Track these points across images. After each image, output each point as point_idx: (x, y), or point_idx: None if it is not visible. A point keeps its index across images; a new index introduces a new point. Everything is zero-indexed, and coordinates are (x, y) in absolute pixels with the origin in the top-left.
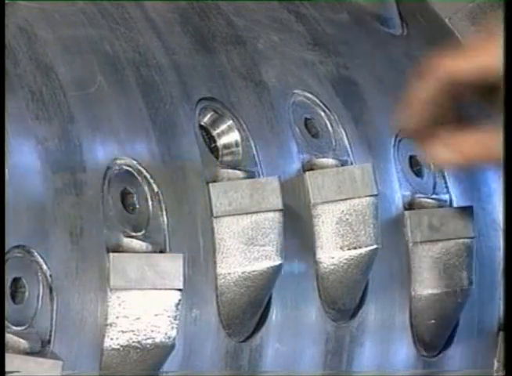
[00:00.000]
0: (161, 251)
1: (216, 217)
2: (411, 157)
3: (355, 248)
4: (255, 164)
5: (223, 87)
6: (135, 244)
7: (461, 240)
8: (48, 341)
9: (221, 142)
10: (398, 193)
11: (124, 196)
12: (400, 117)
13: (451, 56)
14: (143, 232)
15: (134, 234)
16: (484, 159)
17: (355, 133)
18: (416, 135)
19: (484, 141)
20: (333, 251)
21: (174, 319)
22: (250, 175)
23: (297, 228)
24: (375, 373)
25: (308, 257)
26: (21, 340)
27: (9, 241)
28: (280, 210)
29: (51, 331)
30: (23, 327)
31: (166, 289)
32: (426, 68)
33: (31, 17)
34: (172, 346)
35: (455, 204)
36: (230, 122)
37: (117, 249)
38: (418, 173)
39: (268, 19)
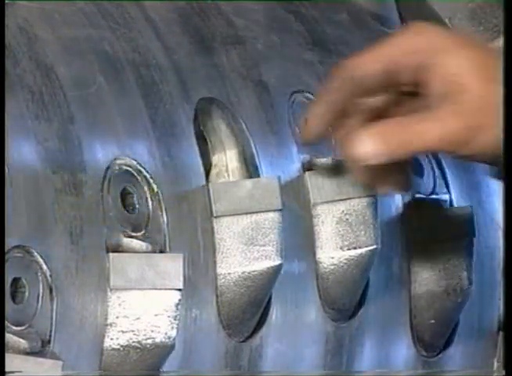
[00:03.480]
0: (161, 251)
1: (216, 217)
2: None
3: (354, 248)
4: (255, 164)
5: (223, 87)
6: (135, 244)
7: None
8: (48, 341)
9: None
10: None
11: (124, 196)
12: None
13: (354, 55)
14: (143, 232)
15: (134, 234)
16: (407, 146)
17: None
18: (333, 135)
19: (402, 128)
20: (333, 251)
21: (174, 319)
22: (250, 175)
23: (297, 228)
24: (375, 373)
25: (308, 257)
26: (21, 340)
27: (9, 241)
28: (280, 210)
29: (51, 331)
30: (23, 327)
31: (166, 289)
32: (333, 70)
33: (31, 17)
34: (172, 346)
35: (455, 204)
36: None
37: (117, 249)
38: (418, 173)
39: (268, 19)
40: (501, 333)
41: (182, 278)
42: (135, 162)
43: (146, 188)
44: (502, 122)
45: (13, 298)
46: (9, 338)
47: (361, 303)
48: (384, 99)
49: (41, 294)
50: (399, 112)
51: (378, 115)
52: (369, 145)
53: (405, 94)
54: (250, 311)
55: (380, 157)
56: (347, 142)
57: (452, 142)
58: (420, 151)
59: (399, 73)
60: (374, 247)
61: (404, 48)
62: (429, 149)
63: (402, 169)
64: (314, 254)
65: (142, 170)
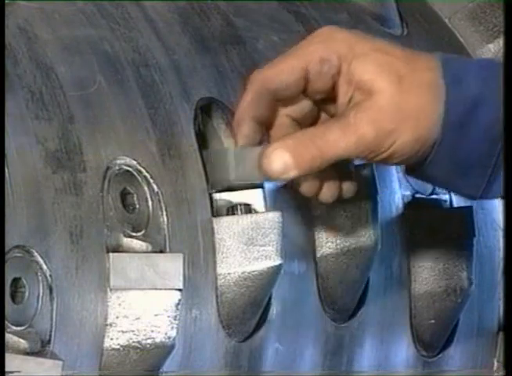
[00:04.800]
0: (161, 251)
1: (216, 217)
2: None
3: (355, 248)
4: None
5: (223, 87)
6: (135, 244)
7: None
8: (48, 341)
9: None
10: (398, 193)
11: (124, 196)
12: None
13: (267, 65)
14: (143, 232)
15: (134, 234)
16: (320, 156)
17: None
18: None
19: (314, 139)
20: (333, 251)
21: (174, 319)
22: None
23: (297, 228)
24: (375, 373)
25: (308, 257)
26: (21, 340)
27: (9, 241)
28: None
29: (51, 331)
30: (23, 327)
31: (166, 289)
32: (248, 82)
33: (31, 17)
34: (172, 346)
35: (455, 204)
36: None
37: (117, 249)
38: None
39: (268, 19)
40: (501, 333)
41: (181, 278)
42: (135, 162)
43: (146, 188)
44: (416, 125)
45: (13, 298)
46: (9, 338)
47: (361, 303)
48: (302, 108)
49: (41, 294)
50: (318, 120)
51: (299, 124)
52: (280, 161)
53: (323, 102)
54: (250, 311)
55: (294, 172)
56: (261, 157)
57: (367, 147)
58: (336, 160)
59: (313, 81)
60: (374, 247)
61: (315, 56)
62: (344, 156)
63: (345, 175)
64: (314, 254)
65: (142, 170)
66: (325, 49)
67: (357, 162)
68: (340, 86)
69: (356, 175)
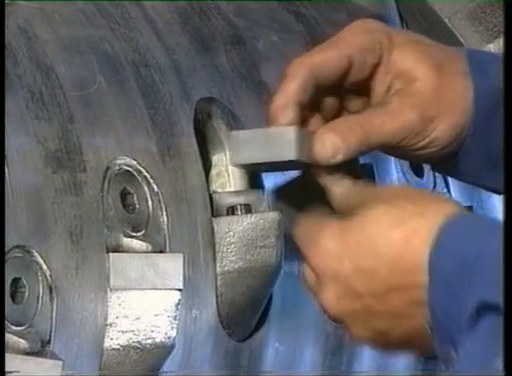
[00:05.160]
0: (161, 251)
1: (216, 217)
2: None
3: None
4: None
5: (223, 87)
6: (135, 244)
7: None
8: (48, 341)
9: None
10: None
11: (124, 196)
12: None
13: (310, 52)
14: (143, 232)
15: (134, 234)
16: (366, 141)
17: None
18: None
19: (360, 124)
20: None
21: (174, 319)
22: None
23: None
24: (375, 373)
25: None
26: (21, 340)
27: (9, 241)
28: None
29: (51, 331)
30: (23, 327)
31: (166, 289)
32: (288, 69)
33: (31, 17)
34: (172, 346)
35: None
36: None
37: (117, 249)
38: (418, 173)
39: (268, 19)
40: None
41: (181, 278)
42: (135, 162)
43: (146, 188)
44: (454, 111)
45: (13, 298)
46: (9, 338)
47: None
48: (333, 99)
49: (41, 294)
50: (347, 112)
51: (332, 115)
52: (330, 144)
53: (349, 96)
54: (250, 311)
55: (341, 156)
56: (308, 142)
57: (410, 133)
58: (380, 145)
59: (354, 71)
60: None
61: (359, 46)
62: (388, 142)
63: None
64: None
65: (142, 170)
66: (368, 39)
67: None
68: (378, 76)
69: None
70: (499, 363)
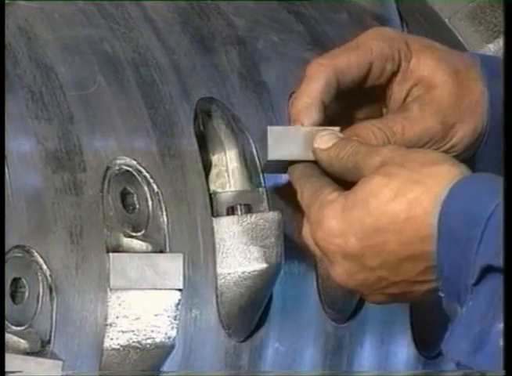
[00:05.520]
0: (161, 251)
1: (216, 217)
2: None
3: None
4: (255, 164)
5: (223, 87)
6: (135, 244)
7: None
8: (48, 341)
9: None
10: None
11: (124, 196)
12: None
13: (332, 54)
14: (143, 232)
15: (134, 234)
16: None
17: None
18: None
19: (381, 130)
20: None
21: (174, 319)
22: (250, 175)
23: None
24: (375, 373)
25: (308, 257)
26: (21, 340)
27: (9, 241)
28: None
29: (51, 331)
30: (23, 327)
31: (166, 289)
32: (310, 69)
33: (31, 17)
34: (172, 346)
35: None
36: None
37: (117, 249)
38: None
39: (268, 19)
40: None
41: (181, 278)
42: (135, 162)
43: (146, 188)
44: (472, 116)
45: (13, 298)
46: (9, 338)
47: (361, 303)
48: (347, 103)
49: (41, 294)
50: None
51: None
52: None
53: (363, 99)
54: (250, 311)
55: None
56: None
57: (431, 139)
58: None
59: (373, 77)
60: None
61: (378, 52)
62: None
63: None
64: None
65: (142, 170)
66: (388, 47)
67: None
68: (396, 83)
69: None
70: (500, 327)
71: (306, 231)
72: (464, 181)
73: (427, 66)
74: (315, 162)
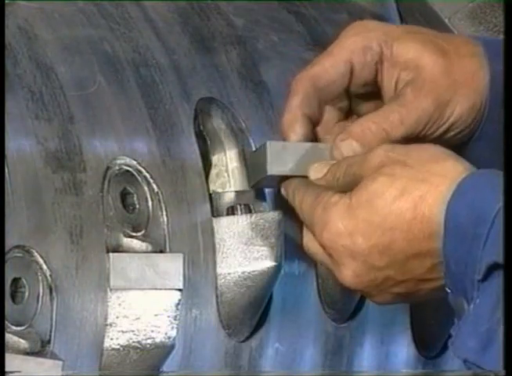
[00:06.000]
0: (161, 251)
1: (216, 217)
2: None
3: None
4: None
5: (223, 87)
6: (135, 244)
7: None
8: (48, 341)
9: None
10: None
11: (124, 196)
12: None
13: (310, 65)
14: (143, 232)
15: (134, 234)
16: (387, 139)
17: None
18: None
19: (378, 123)
20: None
21: (174, 319)
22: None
23: (297, 228)
24: (375, 373)
25: (308, 257)
26: (21, 340)
27: (9, 241)
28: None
29: (51, 331)
30: (23, 327)
31: (166, 289)
32: (291, 84)
33: (31, 17)
34: (172, 346)
35: None
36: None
37: (117, 249)
38: None
39: (268, 19)
40: None
41: (181, 278)
42: (135, 162)
43: (146, 188)
44: (469, 92)
45: (13, 298)
46: (9, 338)
47: (361, 303)
48: (344, 105)
49: (41, 294)
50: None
51: (344, 120)
52: (349, 149)
53: (360, 98)
54: (250, 311)
55: None
56: (331, 149)
57: (429, 120)
58: (401, 138)
59: (358, 72)
60: None
61: (356, 47)
62: (409, 135)
63: None
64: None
65: (142, 170)
66: (364, 39)
67: None
68: (384, 72)
69: None
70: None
71: (308, 241)
72: (470, 178)
73: (412, 49)
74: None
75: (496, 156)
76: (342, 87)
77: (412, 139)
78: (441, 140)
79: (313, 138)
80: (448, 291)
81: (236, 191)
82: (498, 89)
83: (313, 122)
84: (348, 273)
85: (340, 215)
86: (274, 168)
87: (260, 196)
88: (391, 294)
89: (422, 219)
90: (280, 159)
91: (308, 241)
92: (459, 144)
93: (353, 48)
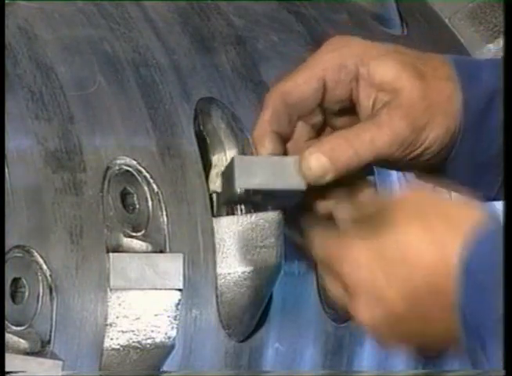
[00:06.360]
0: (161, 251)
1: (216, 217)
2: None
3: None
4: None
5: (223, 87)
6: (135, 244)
7: None
8: (48, 341)
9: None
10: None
11: (124, 196)
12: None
13: (283, 79)
14: (143, 232)
15: (134, 234)
16: (357, 157)
17: None
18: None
19: (349, 141)
20: None
21: (174, 319)
22: None
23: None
24: (375, 373)
25: (308, 257)
26: (21, 340)
27: (9, 241)
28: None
29: (51, 331)
30: (23, 327)
31: (166, 289)
32: (265, 97)
33: (31, 17)
34: (172, 346)
35: None
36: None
37: (117, 249)
38: None
39: (268, 19)
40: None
41: (181, 278)
42: (135, 162)
43: (146, 188)
44: (444, 117)
45: (13, 298)
46: (9, 338)
47: None
48: (318, 120)
49: (41, 294)
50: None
51: (316, 136)
52: (318, 164)
53: (332, 119)
54: (250, 311)
55: (331, 174)
56: (299, 163)
57: (402, 144)
58: (372, 159)
59: (331, 90)
60: None
61: (331, 64)
62: (380, 156)
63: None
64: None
65: (142, 170)
66: (340, 56)
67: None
68: (361, 91)
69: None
70: None
71: (331, 283)
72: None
73: (390, 71)
74: (285, 191)
75: (472, 173)
76: (315, 103)
77: (384, 160)
78: (415, 162)
79: (284, 153)
80: (464, 342)
81: None
82: (472, 113)
83: (283, 138)
84: (362, 307)
85: (364, 252)
86: (242, 182)
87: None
88: (401, 334)
89: (443, 261)
90: (248, 173)
91: (330, 282)
92: (433, 164)
93: (327, 65)
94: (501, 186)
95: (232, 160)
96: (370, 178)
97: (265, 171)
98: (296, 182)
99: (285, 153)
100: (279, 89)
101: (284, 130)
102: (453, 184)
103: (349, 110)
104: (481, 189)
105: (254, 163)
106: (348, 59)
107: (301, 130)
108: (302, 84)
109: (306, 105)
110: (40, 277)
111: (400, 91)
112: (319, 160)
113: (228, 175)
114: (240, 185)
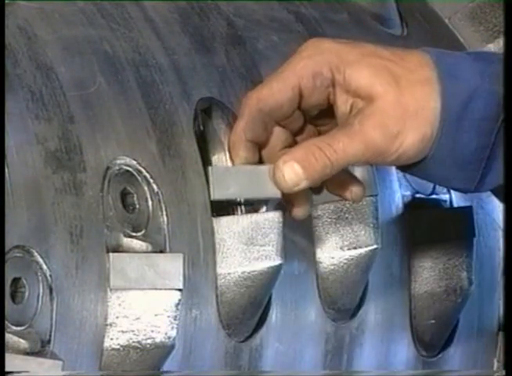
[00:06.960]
0: (161, 251)
1: (216, 217)
2: None
3: (355, 248)
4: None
5: (223, 87)
6: (135, 244)
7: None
8: (48, 341)
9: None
10: (398, 193)
11: (124, 196)
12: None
13: (258, 87)
14: (143, 232)
15: (134, 234)
16: (330, 165)
17: None
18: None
19: (322, 149)
20: (333, 251)
21: (174, 319)
22: None
23: (297, 228)
24: (375, 373)
25: (308, 257)
26: (21, 340)
27: (9, 241)
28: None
29: (51, 331)
30: (23, 327)
31: (166, 289)
32: (243, 102)
33: (31, 17)
34: (172, 346)
35: (455, 204)
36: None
37: (117, 249)
38: None
39: (268, 19)
40: (501, 333)
41: (181, 278)
42: (135, 162)
43: (146, 188)
44: (419, 124)
45: (13, 298)
46: (9, 338)
47: (361, 303)
48: (297, 125)
49: (41, 294)
50: (310, 136)
51: (293, 141)
52: (291, 172)
53: (316, 118)
54: (250, 311)
55: (305, 182)
56: (272, 171)
57: (375, 152)
58: (345, 166)
59: (307, 97)
60: (374, 247)
61: (306, 71)
62: (353, 163)
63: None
64: (314, 254)
65: (142, 170)
66: (315, 63)
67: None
68: (338, 97)
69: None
70: None
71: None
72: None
73: (364, 77)
74: (261, 201)
75: (452, 168)
76: (291, 110)
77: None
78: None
79: (258, 161)
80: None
81: None
82: (451, 115)
83: (259, 145)
84: None
85: None
86: (217, 193)
87: None
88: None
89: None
90: (223, 183)
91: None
92: (412, 162)
93: (302, 73)
94: (481, 178)
95: (208, 170)
96: None
97: (239, 180)
98: (271, 191)
99: (260, 160)
100: (254, 97)
101: (259, 137)
102: (432, 178)
103: (328, 109)
104: (460, 183)
105: (229, 173)
106: (324, 66)
107: (278, 136)
108: (277, 92)
109: (282, 112)
110: (40, 277)
111: (373, 98)
112: (293, 169)
113: (208, 184)
114: (216, 195)
